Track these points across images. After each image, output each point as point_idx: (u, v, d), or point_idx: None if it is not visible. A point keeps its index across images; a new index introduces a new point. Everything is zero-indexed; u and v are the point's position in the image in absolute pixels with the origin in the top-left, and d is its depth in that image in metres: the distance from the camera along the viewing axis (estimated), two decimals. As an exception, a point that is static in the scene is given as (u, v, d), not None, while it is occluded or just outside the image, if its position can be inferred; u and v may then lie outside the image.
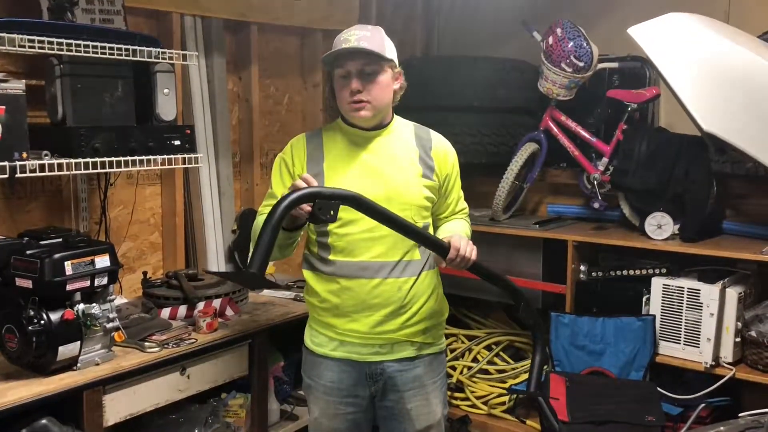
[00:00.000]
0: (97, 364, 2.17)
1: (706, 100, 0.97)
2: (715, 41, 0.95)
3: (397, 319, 2.03)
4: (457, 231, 2.08)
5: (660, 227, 3.00)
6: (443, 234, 2.08)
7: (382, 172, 2.04)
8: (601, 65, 3.19)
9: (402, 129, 2.13)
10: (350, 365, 2.07)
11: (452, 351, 3.56)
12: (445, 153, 2.13)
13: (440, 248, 1.95)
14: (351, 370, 2.07)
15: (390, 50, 2.04)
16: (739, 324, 2.77)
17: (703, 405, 2.73)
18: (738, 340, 2.78)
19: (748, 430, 1.49)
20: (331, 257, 2.04)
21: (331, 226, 2.00)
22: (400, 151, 2.08)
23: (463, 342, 3.58)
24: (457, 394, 3.46)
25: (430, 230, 2.13)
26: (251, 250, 1.73)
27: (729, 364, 2.77)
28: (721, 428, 1.59)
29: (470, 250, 1.97)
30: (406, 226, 1.91)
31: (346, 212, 1.95)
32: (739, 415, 1.74)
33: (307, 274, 2.12)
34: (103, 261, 2.19)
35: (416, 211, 2.05)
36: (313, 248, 2.10)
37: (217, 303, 2.66)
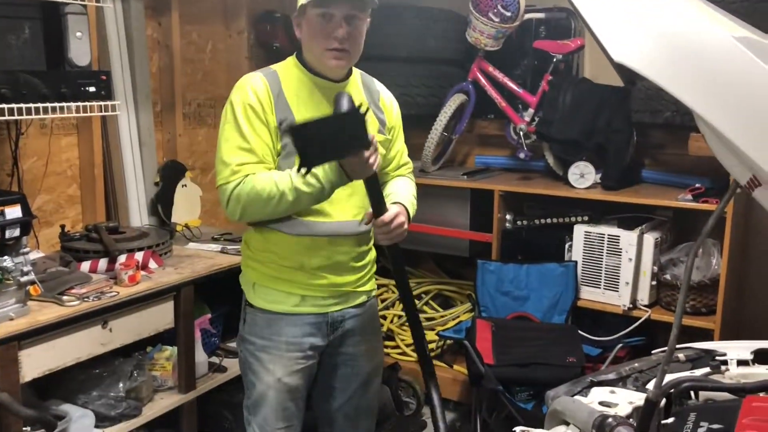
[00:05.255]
0: (11, 319, 2.08)
1: (618, 30, 0.97)
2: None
3: (358, 273, 2.04)
4: (404, 199, 1.99)
5: (582, 176, 3.07)
6: (393, 197, 1.98)
7: None
8: (528, 15, 3.21)
9: (356, 79, 2.01)
10: (312, 318, 2.00)
11: (383, 301, 3.60)
12: (391, 104, 2.05)
13: (381, 208, 1.84)
14: (313, 322, 2.00)
15: None
16: (655, 268, 2.90)
17: (620, 345, 2.85)
18: (654, 283, 2.91)
19: (660, 365, 1.56)
20: (304, 218, 1.91)
21: None
22: None
23: (393, 292, 3.62)
24: (387, 343, 3.50)
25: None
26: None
27: (645, 306, 2.91)
28: (636, 365, 1.68)
29: (401, 232, 1.87)
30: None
31: None
32: (653, 351, 1.82)
33: (270, 234, 1.94)
34: (14, 212, 2.10)
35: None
36: None
37: (139, 256, 2.59)
